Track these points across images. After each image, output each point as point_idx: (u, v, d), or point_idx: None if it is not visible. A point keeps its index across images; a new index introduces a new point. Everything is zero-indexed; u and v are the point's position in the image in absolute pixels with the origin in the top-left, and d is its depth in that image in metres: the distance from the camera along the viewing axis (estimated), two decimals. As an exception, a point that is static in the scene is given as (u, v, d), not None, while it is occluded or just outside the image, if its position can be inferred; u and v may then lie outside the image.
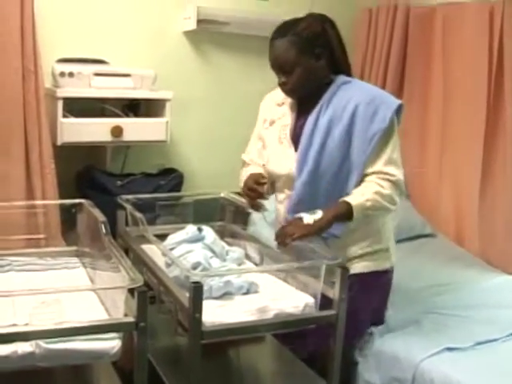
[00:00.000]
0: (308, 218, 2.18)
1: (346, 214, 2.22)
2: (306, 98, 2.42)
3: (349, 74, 2.46)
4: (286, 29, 2.35)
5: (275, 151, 2.47)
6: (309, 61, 2.32)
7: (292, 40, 2.30)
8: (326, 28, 2.35)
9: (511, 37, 3.59)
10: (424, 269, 3.51)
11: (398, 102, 2.35)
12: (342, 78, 2.40)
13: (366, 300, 2.48)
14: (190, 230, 2.39)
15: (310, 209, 2.22)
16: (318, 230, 2.19)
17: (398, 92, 4.23)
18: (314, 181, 2.32)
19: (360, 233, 2.42)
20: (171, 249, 2.23)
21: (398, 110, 2.35)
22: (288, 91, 2.41)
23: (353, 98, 2.33)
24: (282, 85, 2.39)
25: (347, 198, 2.25)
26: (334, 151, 2.31)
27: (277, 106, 2.56)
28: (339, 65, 2.42)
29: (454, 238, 3.99)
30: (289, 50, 2.31)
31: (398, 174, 2.30)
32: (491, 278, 3.49)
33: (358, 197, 2.25)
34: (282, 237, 2.18)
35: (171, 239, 2.34)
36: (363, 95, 2.33)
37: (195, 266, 2.06)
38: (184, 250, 2.19)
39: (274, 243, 2.34)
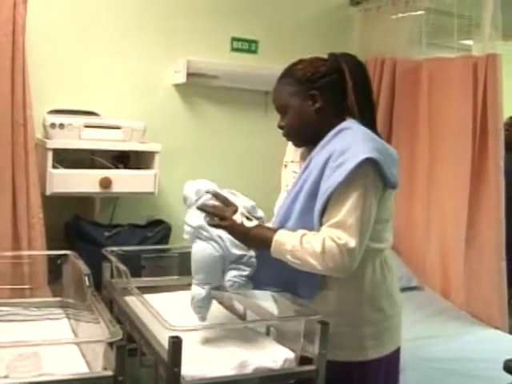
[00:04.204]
0: (239, 218, 2.08)
1: (267, 242, 2.05)
2: (309, 144, 2.20)
3: (366, 121, 2.13)
4: (286, 69, 2.22)
5: (279, 197, 2.33)
6: (302, 103, 2.14)
7: (286, 81, 2.18)
8: (343, 69, 2.13)
9: (495, 91, 3.68)
10: (410, 321, 3.50)
11: (363, 156, 1.94)
12: (344, 124, 2.10)
13: None
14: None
15: (280, 272, 2.11)
16: (238, 234, 2.07)
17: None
18: None
19: (327, 300, 2.13)
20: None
21: (378, 167, 1.98)
22: (284, 135, 2.24)
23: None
24: (279, 128, 2.23)
25: (280, 232, 2.06)
26: (302, 207, 2.09)
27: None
28: (352, 110, 2.13)
29: (440, 291, 4.02)
30: (282, 92, 2.18)
31: (347, 239, 1.94)
32: (476, 331, 3.52)
33: (288, 237, 2.03)
34: (216, 215, 2.09)
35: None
36: (342, 143, 2.02)
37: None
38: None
39: (256, 295, 2.37)
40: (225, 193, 2.17)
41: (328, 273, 1.99)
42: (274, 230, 2.08)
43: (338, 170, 1.96)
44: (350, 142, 2.01)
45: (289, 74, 2.19)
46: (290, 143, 2.40)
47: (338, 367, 2.07)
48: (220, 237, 2.08)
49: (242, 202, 2.16)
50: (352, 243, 1.93)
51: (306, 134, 2.18)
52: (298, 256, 1.99)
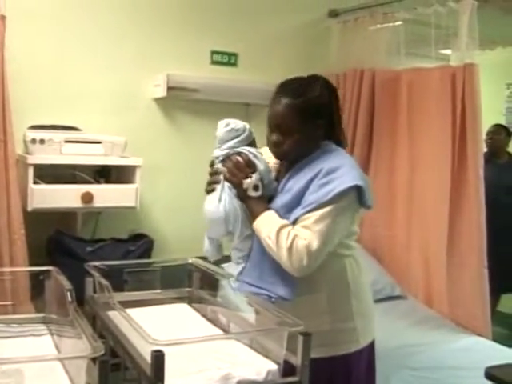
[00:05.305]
0: (247, 184, 2.27)
1: (256, 215, 2.25)
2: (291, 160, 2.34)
3: (340, 141, 2.35)
4: (297, 90, 2.25)
5: None
6: (310, 130, 2.24)
7: (301, 107, 2.21)
8: (332, 97, 2.30)
9: (473, 100, 3.72)
10: (394, 330, 3.53)
11: (351, 183, 2.14)
12: (325, 146, 2.30)
13: None
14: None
15: (260, 266, 2.30)
16: (240, 196, 2.29)
17: (367, 155, 4.34)
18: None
19: (318, 302, 2.28)
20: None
21: (360, 193, 2.18)
22: (279, 153, 2.30)
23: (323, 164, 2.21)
24: (274, 143, 2.28)
25: (270, 212, 2.24)
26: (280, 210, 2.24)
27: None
28: (334, 133, 2.33)
29: (424, 300, 4.04)
30: (294, 115, 2.21)
31: (310, 240, 2.12)
32: (460, 339, 3.53)
33: (272, 220, 2.21)
34: (230, 172, 2.30)
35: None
36: (330, 163, 2.19)
37: None
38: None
39: (240, 307, 2.40)
40: (252, 154, 2.32)
41: (286, 267, 2.18)
42: (267, 208, 2.26)
43: (324, 188, 2.15)
44: (337, 164, 2.20)
45: (302, 99, 2.23)
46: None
47: (339, 361, 2.29)
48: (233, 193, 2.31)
49: (262, 165, 2.32)
50: (314, 245, 2.12)
51: (301, 155, 2.30)
52: (270, 240, 2.18)
